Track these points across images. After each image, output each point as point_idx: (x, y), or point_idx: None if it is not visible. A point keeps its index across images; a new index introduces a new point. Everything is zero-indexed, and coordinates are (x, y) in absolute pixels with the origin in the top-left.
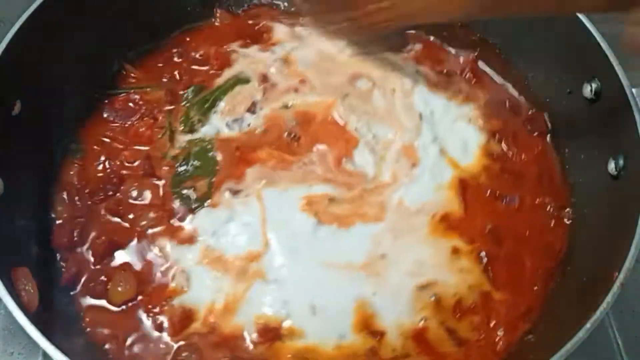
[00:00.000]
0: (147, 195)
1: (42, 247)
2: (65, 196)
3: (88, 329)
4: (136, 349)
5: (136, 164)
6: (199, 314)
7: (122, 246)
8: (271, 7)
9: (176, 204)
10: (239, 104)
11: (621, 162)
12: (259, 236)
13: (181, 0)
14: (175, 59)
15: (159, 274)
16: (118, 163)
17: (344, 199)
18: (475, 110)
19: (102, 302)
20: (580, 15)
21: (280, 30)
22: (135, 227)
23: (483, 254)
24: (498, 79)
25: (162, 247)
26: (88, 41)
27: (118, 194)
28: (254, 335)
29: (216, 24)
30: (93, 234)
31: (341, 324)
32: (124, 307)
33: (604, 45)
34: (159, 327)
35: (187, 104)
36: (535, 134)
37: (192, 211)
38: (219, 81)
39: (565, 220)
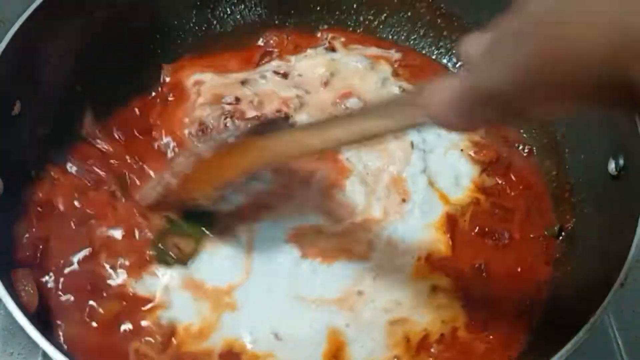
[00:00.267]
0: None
1: None
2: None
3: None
4: None
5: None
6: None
7: None
8: None
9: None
10: None
11: (621, 162)
12: (242, 267)
13: None
14: None
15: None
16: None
17: (333, 233)
18: (467, 141)
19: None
20: None
21: None
22: None
23: (465, 290)
24: None
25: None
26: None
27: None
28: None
29: None
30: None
31: (312, 351)
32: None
33: None
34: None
35: None
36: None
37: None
38: None
39: (557, 254)
